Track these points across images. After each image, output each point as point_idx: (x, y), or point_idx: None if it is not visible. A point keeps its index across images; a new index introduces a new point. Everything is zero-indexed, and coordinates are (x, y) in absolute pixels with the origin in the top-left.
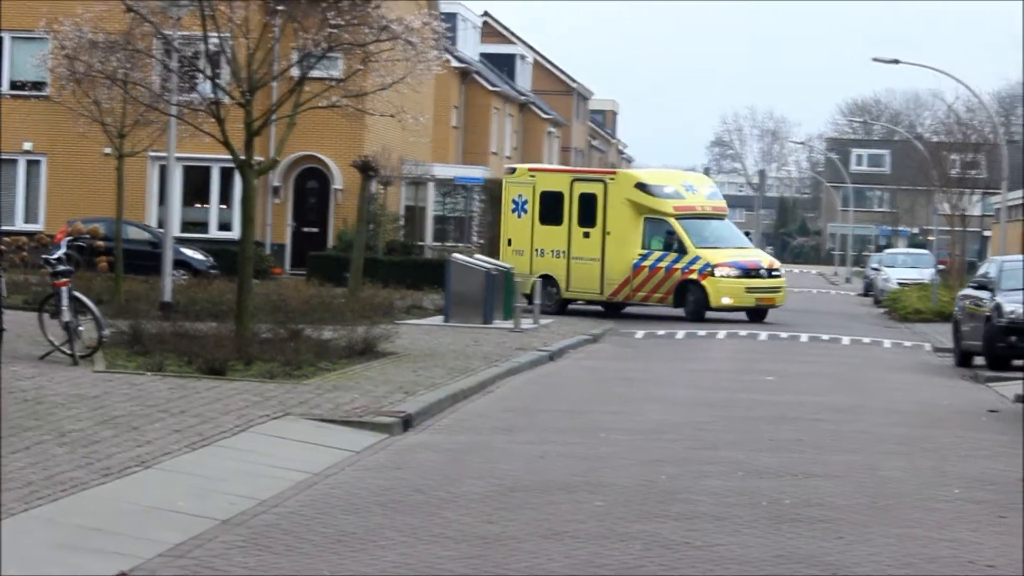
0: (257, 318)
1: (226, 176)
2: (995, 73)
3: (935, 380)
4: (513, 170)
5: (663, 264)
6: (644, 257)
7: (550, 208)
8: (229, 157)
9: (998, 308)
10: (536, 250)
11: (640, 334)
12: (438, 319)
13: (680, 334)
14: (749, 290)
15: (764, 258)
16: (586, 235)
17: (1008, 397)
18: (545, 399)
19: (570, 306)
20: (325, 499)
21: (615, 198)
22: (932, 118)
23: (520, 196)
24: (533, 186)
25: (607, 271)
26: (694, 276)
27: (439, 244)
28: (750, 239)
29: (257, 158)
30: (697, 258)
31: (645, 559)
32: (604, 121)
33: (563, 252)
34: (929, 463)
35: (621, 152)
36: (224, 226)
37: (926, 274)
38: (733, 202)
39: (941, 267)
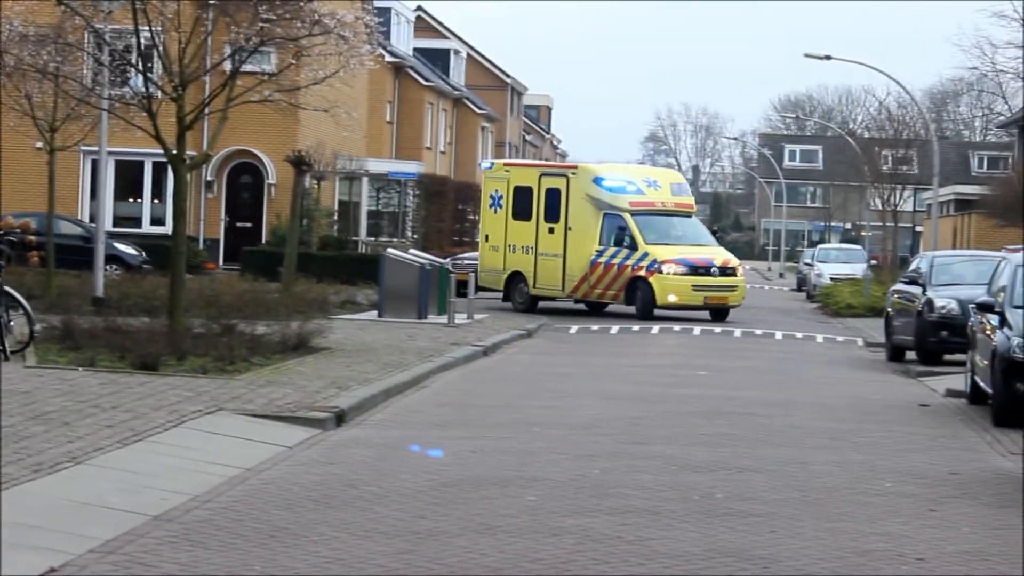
0: (190, 313)
1: (159, 171)
2: (927, 70)
3: (867, 375)
4: (491, 165)
5: (616, 261)
6: (600, 254)
7: (522, 203)
8: (161, 151)
9: (929, 303)
10: (509, 246)
11: (574, 329)
12: (372, 314)
13: (614, 329)
14: (696, 288)
15: (719, 256)
16: (551, 231)
17: (939, 392)
18: (479, 394)
19: (541, 303)
20: (258, 494)
21: (576, 193)
22: (864, 114)
23: (496, 191)
24: (508, 181)
25: (568, 268)
26: (642, 273)
27: (373, 239)
28: (716, 237)
29: (190, 152)
30: (646, 254)
31: (578, 553)
32: (539, 116)
33: (531, 248)
34: (860, 457)
35: (556, 147)
36: (157, 221)
37: (858, 269)
38: None
39: (873, 262)
